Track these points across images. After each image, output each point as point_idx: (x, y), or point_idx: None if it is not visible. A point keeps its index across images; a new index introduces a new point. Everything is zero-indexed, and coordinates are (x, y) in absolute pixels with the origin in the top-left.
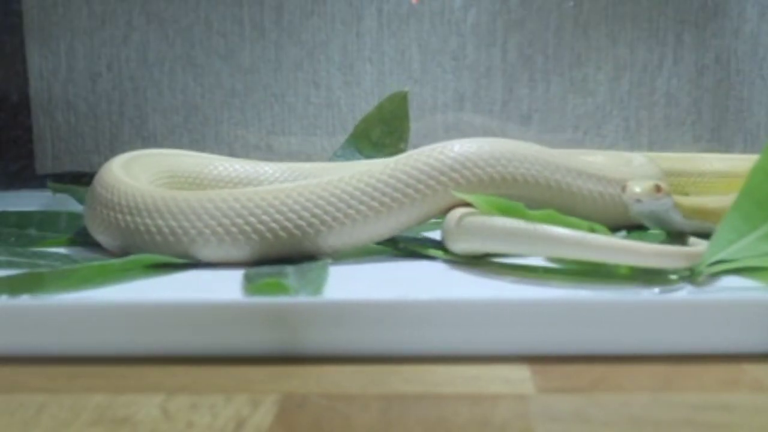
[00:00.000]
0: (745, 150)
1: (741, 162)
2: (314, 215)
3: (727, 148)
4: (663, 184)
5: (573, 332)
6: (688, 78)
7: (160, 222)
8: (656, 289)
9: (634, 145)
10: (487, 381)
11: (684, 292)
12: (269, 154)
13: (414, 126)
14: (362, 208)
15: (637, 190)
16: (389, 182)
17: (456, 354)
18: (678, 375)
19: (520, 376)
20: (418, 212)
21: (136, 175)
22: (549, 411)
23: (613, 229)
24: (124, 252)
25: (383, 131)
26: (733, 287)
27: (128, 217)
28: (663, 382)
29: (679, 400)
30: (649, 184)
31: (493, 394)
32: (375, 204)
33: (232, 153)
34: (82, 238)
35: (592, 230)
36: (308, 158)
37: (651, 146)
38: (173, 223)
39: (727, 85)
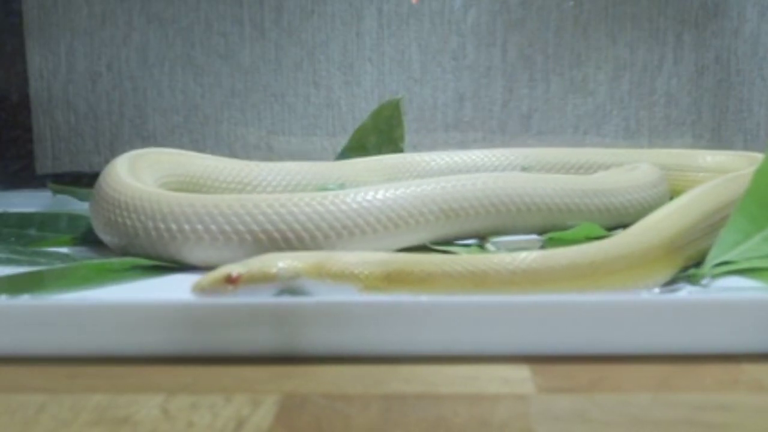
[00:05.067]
0: (745, 150)
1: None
2: (317, 226)
3: (727, 148)
4: (245, 271)
5: (573, 332)
6: (688, 78)
7: (159, 224)
8: (656, 289)
9: (634, 146)
10: (487, 381)
11: (684, 292)
12: (269, 154)
13: (414, 126)
14: (361, 223)
15: (200, 283)
16: (389, 205)
17: (456, 354)
18: (678, 375)
19: (520, 376)
20: (417, 236)
21: (140, 174)
22: (549, 411)
23: (609, 228)
24: (125, 252)
25: (379, 140)
26: (733, 287)
27: (130, 218)
28: (663, 382)
29: (679, 400)
30: (217, 275)
31: (492, 394)
32: (373, 221)
33: (232, 153)
34: (82, 239)
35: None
36: (308, 158)
37: (651, 146)
38: (172, 226)
39: (727, 85)
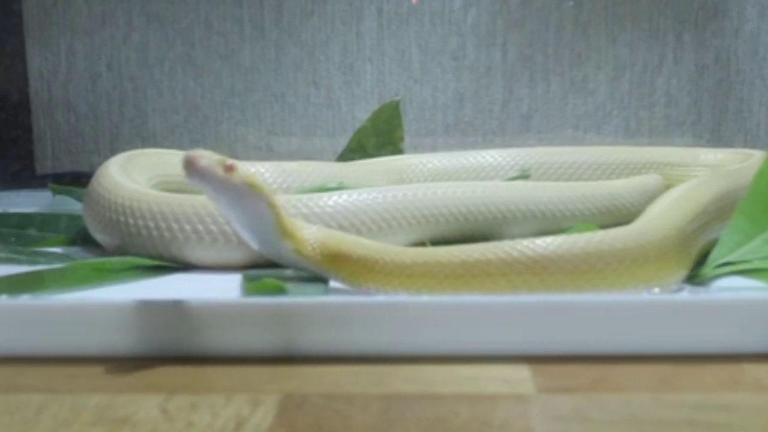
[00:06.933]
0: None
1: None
2: None
3: (727, 148)
4: (240, 166)
5: (573, 332)
6: (688, 78)
7: (160, 224)
8: (656, 289)
9: (634, 145)
10: (487, 381)
11: (684, 292)
12: (269, 154)
13: (414, 126)
14: (357, 223)
15: (199, 160)
16: (388, 206)
17: (456, 354)
18: (678, 375)
19: (520, 376)
20: (415, 237)
21: (133, 175)
22: (549, 411)
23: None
24: (121, 252)
25: (378, 142)
26: (733, 287)
27: (123, 219)
28: (663, 382)
29: (679, 400)
30: (215, 158)
31: (492, 394)
32: (372, 221)
33: (232, 153)
34: (82, 239)
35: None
36: (308, 158)
37: (651, 146)
38: (173, 225)
39: (727, 85)
